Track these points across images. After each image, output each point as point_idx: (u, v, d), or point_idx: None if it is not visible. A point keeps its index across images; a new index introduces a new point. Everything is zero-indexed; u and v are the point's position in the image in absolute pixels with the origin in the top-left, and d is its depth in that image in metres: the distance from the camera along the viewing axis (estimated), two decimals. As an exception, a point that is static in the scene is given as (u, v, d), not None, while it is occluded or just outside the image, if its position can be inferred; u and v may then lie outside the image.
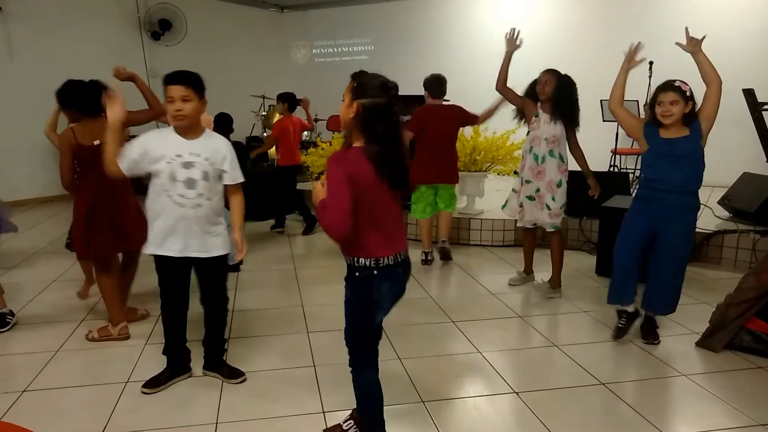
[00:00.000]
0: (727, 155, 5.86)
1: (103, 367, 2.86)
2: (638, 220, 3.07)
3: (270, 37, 10.20)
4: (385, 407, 2.14)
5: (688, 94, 2.82)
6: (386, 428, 2.16)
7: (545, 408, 2.49)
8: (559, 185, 3.73)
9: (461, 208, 5.49)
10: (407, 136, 4.32)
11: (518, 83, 3.82)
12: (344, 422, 2.27)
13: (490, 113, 4.48)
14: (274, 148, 5.94)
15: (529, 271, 4.21)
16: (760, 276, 3.02)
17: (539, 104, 3.74)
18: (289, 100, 5.61)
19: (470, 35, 8.75)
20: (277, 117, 6.32)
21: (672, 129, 2.89)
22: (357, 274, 1.96)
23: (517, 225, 4.15)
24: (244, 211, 2.67)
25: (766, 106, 5.32)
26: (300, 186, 6.02)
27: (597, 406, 2.53)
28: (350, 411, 2.28)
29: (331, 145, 6.37)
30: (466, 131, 5.16)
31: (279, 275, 4.47)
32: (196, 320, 2.74)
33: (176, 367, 2.71)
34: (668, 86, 2.84)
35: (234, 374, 2.71)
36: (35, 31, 7.14)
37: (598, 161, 5.78)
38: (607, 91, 3.15)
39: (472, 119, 4.54)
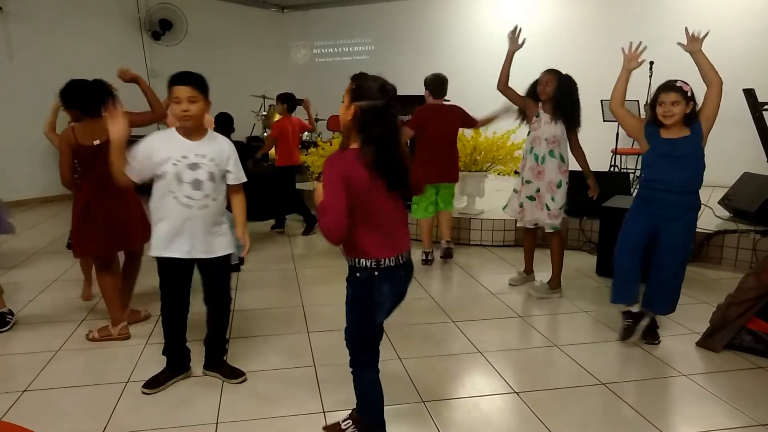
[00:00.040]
0: (728, 155, 5.85)
1: (104, 367, 2.86)
2: (639, 220, 3.06)
3: (270, 37, 10.21)
4: (385, 407, 2.13)
5: (689, 94, 2.82)
6: (386, 428, 2.15)
7: (545, 408, 2.49)
8: (558, 186, 3.73)
9: (462, 208, 5.50)
10: (407, 134, 4.33)
11: (519, 83, 3.82)
12: (343, 421, 2.27)
13: (488, 121, 4.51)
14: (274, 148, 5.94)
15: (529, 271, 4.21)
16: (760, 276, 3.01)
17: (540, 104, 3.74)
18: (288, 101, 5.61)
19: (471, 35, 8.75)
20: (277, 117, 6.33)
21: (673, 129, 2.88)
22: (358, 274, 1.96)
23: (517, 225, 4.15)
24: (245, 209, 2.69)
25: (766, 106, 5.32)
26: (300, 186, 6.01)
27: (597, 406, 2.53)
28: (350, 411, 2.28)
29: (331, 145, 6.38)
30: (467, 131, 5.16)
31: (279, 275, 4.47)
32: (195, 320, 2.74)
33: (176, 366, 2.71)
34: (670, 87, 2.84)
35: (234, 374, 2.71)
36: (35, 31, 7.14)
37: (599, 161, 5.78)
38: (608, 91, 3.15)
39: (471, 122, 4.55)
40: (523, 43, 3.78)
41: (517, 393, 2.62)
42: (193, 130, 2.47)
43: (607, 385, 2.69)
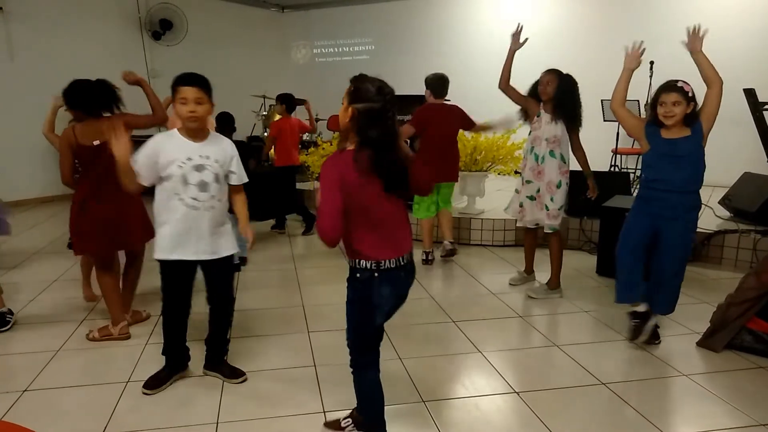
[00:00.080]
0: (728, 155, 5.85)
1: (104, 367, 2.86)
2: (640, 220, 3.06)
3: (270, 36, 10.21)
4: (385, 407, 2.13)
5: (690, 94, 2.82)
6: (387, 428, 2.15)
7: (546, 408, 2.49)
8: (558, 186, 3.72)
9: (462, 208, 5.50)
10: (408, 131, 4.34)
11: (519, 84, 3.81)
12: (343, 419, 2.27)
13: (485, 128, 4.55)
14: (273, 148, 5.94)
15: (529, 271, 4.21)
16: (760, 276, 3.01)
17: (541, 104, 3.73)
18: (287, 101, 5.61)
19: (471, 35, 8.75)
20: (277, 117, 6.33)
21: (673, 129, 2.88)
22: (358, 275, 1.96)
23: (517, 225, 4.15)
24: (247, 206, 2.71)
25: (766, 106, 5.32)
26: (300, 186, 6.01)
27: (598, 406, 2.53)
28: (350, 410, 2.28)
29: (331, 144, 6.37)
30: (467, 131, 5.16)
31: (279, 275, 4.47)
32: (196, 320, 2.74)
33: (175, 365, 2.71)
34: (671, 87, 2.84)
35: (235, 374, 2.71)
36: (35, 31, 7.15)
37: (599, 161, 5.78)
38: (608, 91, 3.15)
39: (470, 124, 4.56)
40: (524, 42, 3.78)
41: (518, 393, 2.62)
42: (197, 131, 2.47)
43: (607, 385, 2.69)
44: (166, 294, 2.59)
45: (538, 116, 3.75)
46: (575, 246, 5.05)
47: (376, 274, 1.93)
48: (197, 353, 2.77)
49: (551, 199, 3.73)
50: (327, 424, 2.32)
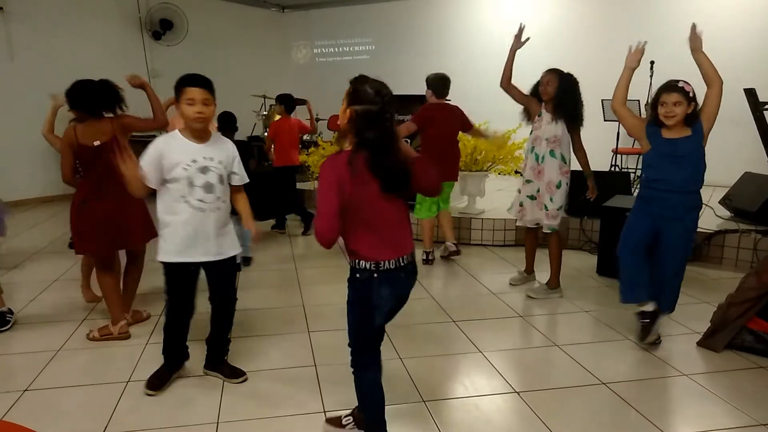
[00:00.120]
0: (728, 155, 5.85)
1: (104, 367, 2.86)
2: (641, 220, 3.06)
3: (271, 36, 10.21)
4: (386, 407, 2.13)
5: (691, 95, 2.82)
6: (387, 427, 2.15)
7: (546, 408, 2.49)
8: (558, 186, 3.72)
9: (462, 208, 5.50)
10: (409, 128, 4.34)
11: (519, 83, 3.82)
12: (345, 417, 2.28)
13: (481, 134, 4.56)
14: (273, 149, 5.94)
15: (530, 270, 4.21)
16: (761, 275, 3.01)
17: (542, 104, 3.73)
18: (286, 102, 5.60)
19: (471, 35, 8.75)
20: (277, 118, 6.33)
21: (674, 129, 2.88)
22: (358, 275, 1.97)
23: (517, 224, 4.15)
24: (248, 204, 2.72)
25: (767, 106, 5.32)
26: (300, 186, 6.01)
27: (598, 406, 2.53)
28: (351, 410, 2.29)
29: (332, 144, 6.37)
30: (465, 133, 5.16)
31: (280, 275, 4.47)
32: (196, 320, 2.73)
33: (175, 363, 2.71)
34: (671, 87, 2.84)
35: (235, 374, 2.71)
36: (35, 31, 7.15)
37: (599, 161, 5.77)
38: (608, 91, 3.15)
39: (468, 126, 4.57)
40: (525, 41, 3.78)
41: (518, 393, 2.62)
42: (200, 132, 2.47)
43: (607, 385, 2.69)
44: (170, 296, 2.59)
45: (539, 116, 3.75)
46: (575, 246, 5.05)
47: (375, 275, 1.93)
48: (197, 353, 2.77)
49: (550, 200, 3.73)
50: (328, 421, 2.33)
